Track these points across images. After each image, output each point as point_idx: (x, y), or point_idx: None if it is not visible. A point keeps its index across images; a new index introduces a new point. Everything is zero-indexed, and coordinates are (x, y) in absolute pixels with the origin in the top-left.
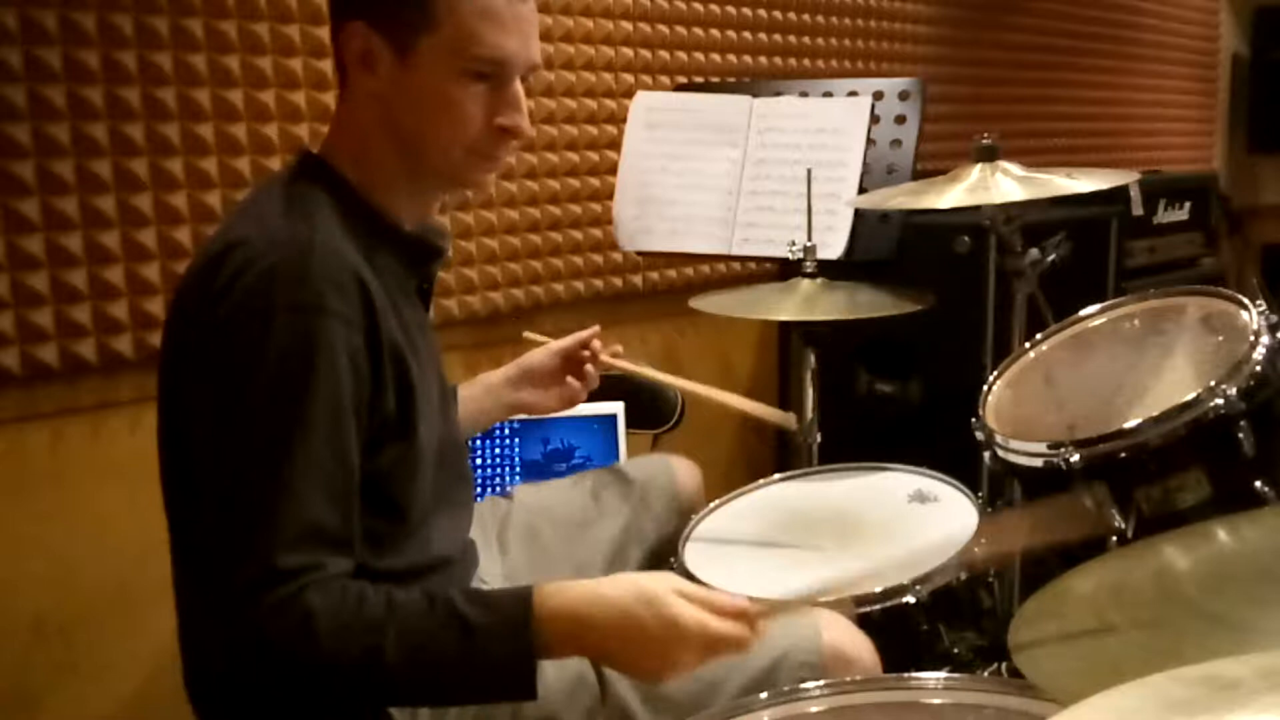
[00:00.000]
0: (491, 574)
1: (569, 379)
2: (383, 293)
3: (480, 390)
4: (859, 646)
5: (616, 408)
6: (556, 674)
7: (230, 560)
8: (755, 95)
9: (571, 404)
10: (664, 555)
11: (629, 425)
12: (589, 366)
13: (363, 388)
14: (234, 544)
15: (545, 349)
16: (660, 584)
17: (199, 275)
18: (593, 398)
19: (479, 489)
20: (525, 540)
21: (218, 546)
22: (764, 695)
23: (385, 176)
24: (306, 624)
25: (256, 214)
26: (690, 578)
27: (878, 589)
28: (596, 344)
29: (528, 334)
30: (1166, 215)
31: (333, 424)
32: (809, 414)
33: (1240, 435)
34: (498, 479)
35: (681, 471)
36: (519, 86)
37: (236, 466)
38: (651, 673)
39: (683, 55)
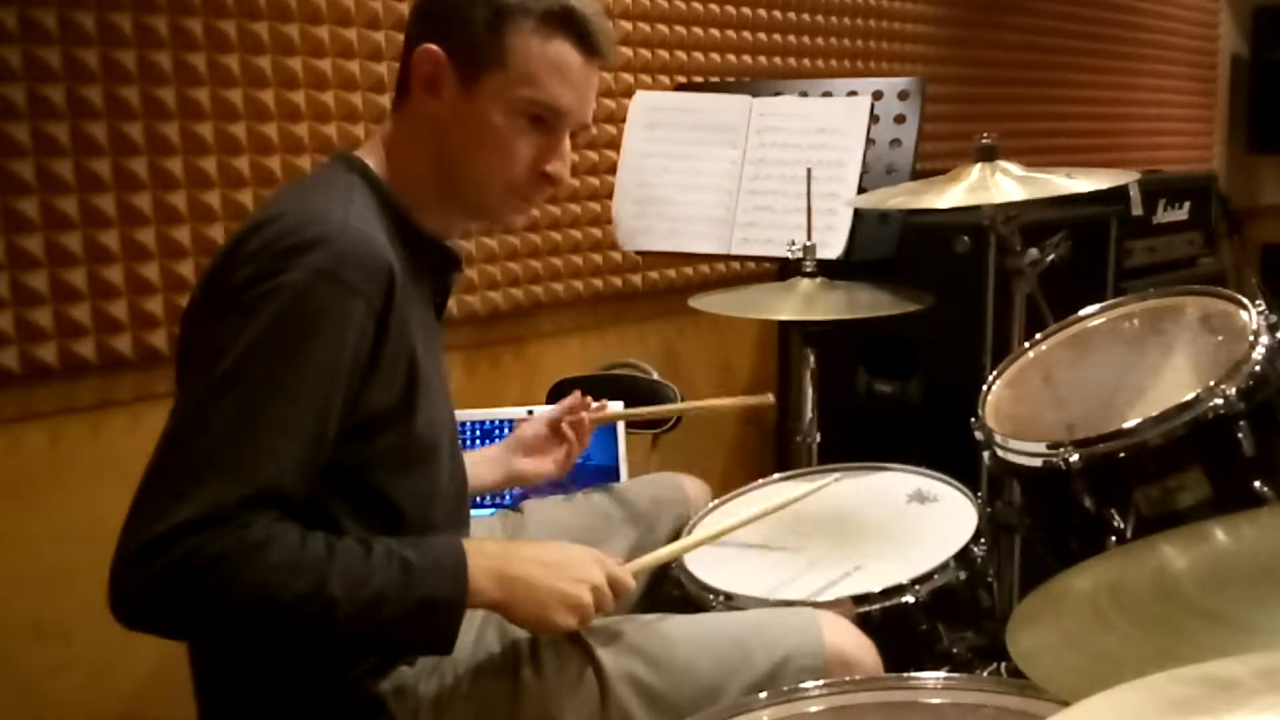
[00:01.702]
0: None
1: (563, 429)
2: (407, 291)
3: (485, 458)
4: (862, 649)
5: (616, 407)
6: (557, 677)
7: (191, 488)
8: (755, 95)
9: (568, 467)
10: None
11: (629, 426)
12: (573, 433)
13: (358, 371)
14: (191, 481)
15: (533, 420)
16: (577, 550)
17: (229, 247)
18: (593, 398)
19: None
20: None
21: (180, 475)
22: (763, 695)
23: (422, 192)
24: (254, 554)
25: (292, 197)
26: (690, 577)
27: (877, 588)
28: (584, 409)
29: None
30: (1166, 215)
31: (323, 393)
32: (809, 414)
33: (1239, 435)
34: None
35: (692, 491)
36: (567, 139)
37: (222, 402)
38: (561, 621)
39: (683, 55)
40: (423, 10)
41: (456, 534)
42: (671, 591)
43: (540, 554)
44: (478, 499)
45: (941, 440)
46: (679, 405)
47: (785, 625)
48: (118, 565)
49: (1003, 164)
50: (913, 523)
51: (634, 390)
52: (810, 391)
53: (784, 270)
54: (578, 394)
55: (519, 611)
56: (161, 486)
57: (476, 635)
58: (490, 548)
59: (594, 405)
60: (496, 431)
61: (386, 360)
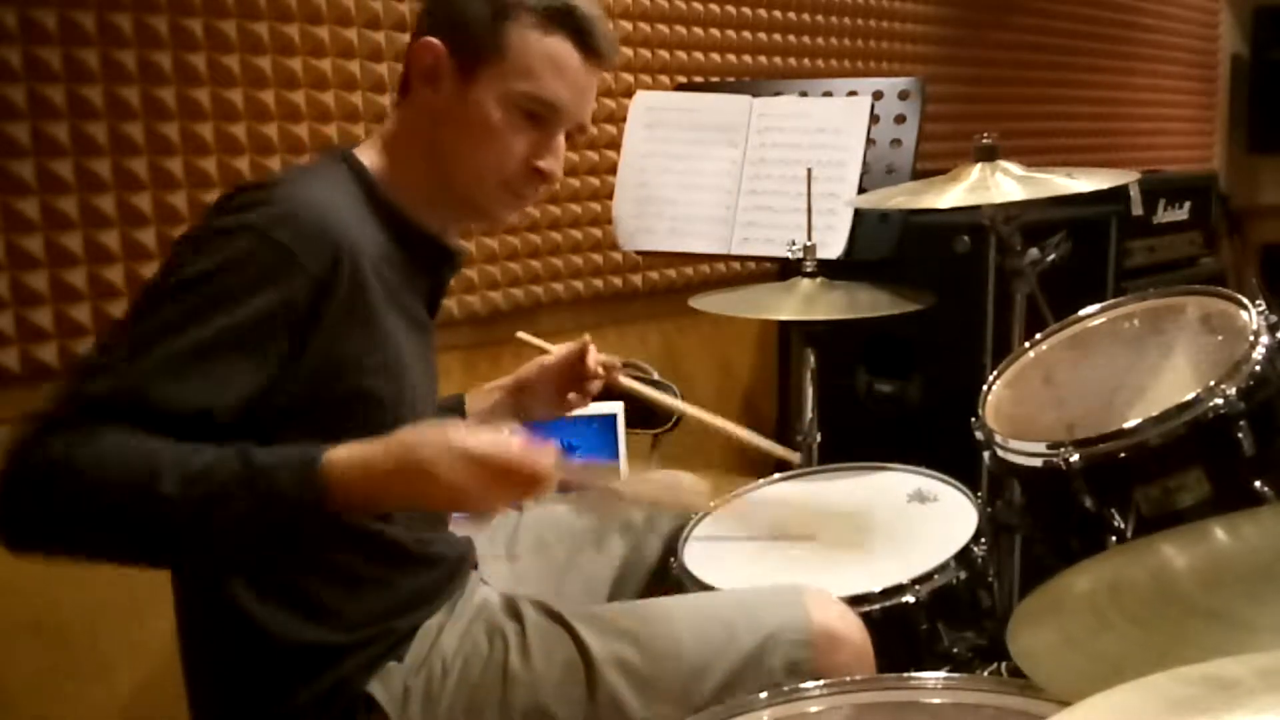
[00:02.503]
0: (499, 578)
1: (570, 395)
2: (382, 277)
3: (488, 404)
4: (849, 625)
5: (616, 408)
6: (545, 664)
7: (61, 394)
8: (755, 95)
9: (573, 409)
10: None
11: (629, 425)
12: (590, 384)
13: (281, 331)
14: (85, 369)
15: (537, 364)
16: (447, 424)
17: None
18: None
19: None
20: (534, 551)
21: (73, 372)
22: (764, 695)
23: (416, 185)
24: (79, 449)
25: (272, 175)
26: (690, 576)
27: (877, 588)
28: (592, 358)
29: (521, 335)
30: (1166, 215)
31: (234, 348)
32: (809, 414)
33: (1239, 435)
34: None
35: (691, 490)
36: (562, 137)
37: (130, 317)
38: (446, 497)
39: (683, 55)
40: (427, 8)
41: (435, 529)
42: (671, 591)
43: (409, 453)
44: None
45: (941, 440)
46: (705, 415)
47: (771, 603)
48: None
49: (1003, 164)
50: (913, 523)
51: (630, 393)
52: (810, 391)
53: (784, 270)
54: (587, 338)
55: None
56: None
57: (464, 629)
58: (350, 448)
59: (600, 362)
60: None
61: (335, 335)
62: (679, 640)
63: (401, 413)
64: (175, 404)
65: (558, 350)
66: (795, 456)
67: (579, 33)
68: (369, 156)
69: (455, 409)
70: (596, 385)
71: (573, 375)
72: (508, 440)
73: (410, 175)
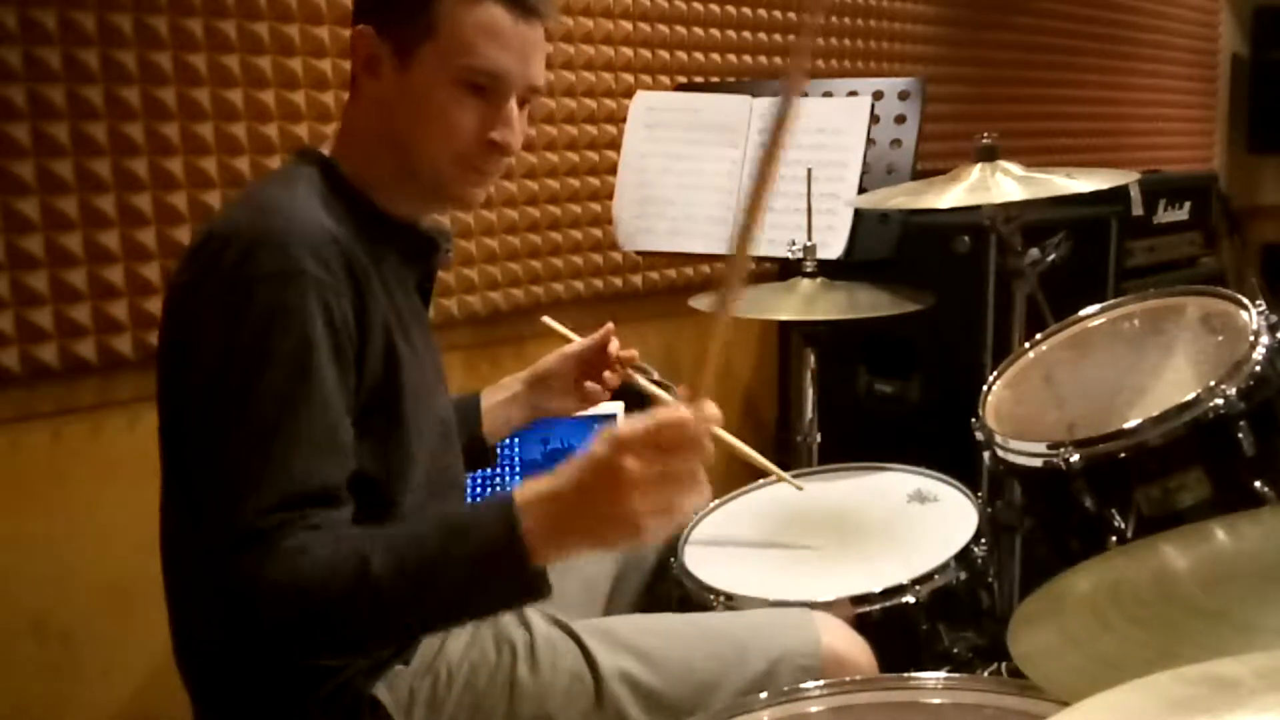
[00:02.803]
0: None
1: (587, 384)
2: (374, 272)
3: (505, 397)
4: (857, 650)
5: (616, 408)
6: (552, 675)
7: (218, 524)
8: (755, 95)
9: (591, 405)
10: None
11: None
12: (607, 374)
13: (345, 348)
14: (221, 509)
15: (559, 354)
16: (597, 445)
17: (185, 265)
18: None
19: (481, 490)
20: None
21: (208, 514)
22: (764, 695)
23: (383, 177)
24: (292, 560)
25: (242, 202)
26: (691, 577)
27: (877, 589)
28: (614, 347)
29: (546, 319)
30: (1166, 215)
31: (316, 384)
32: (809, 414)
33: (1240, 435)
34: (498, 479)
35: None
36: (514, 104)
37: (226, 435)
38: (620, 525)
39: (683, 55)
40: None
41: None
42: (672, 592)
43: (580, 483)
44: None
45: (942, 440)
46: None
47: (781, 625)
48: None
49: (1003, 164)
50: (913, 523)
51: (634, 390)
52: (810, 391)
53: (784, 270)
54: (610, 326)
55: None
56: (201, 512)
57: (471, 634)
58: (536, 487)
59: (621, 354)
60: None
61: (367, 341)
62: (688, 658)
63: (412, 407)
64: (333, 480)
65: (581, 339)
66: (800, 486)
67: None
68: (335, 155)
69: (471, 406)
70: (615, 377)
71: (593, 365)
72: (642, 417)
73: (375, 168)
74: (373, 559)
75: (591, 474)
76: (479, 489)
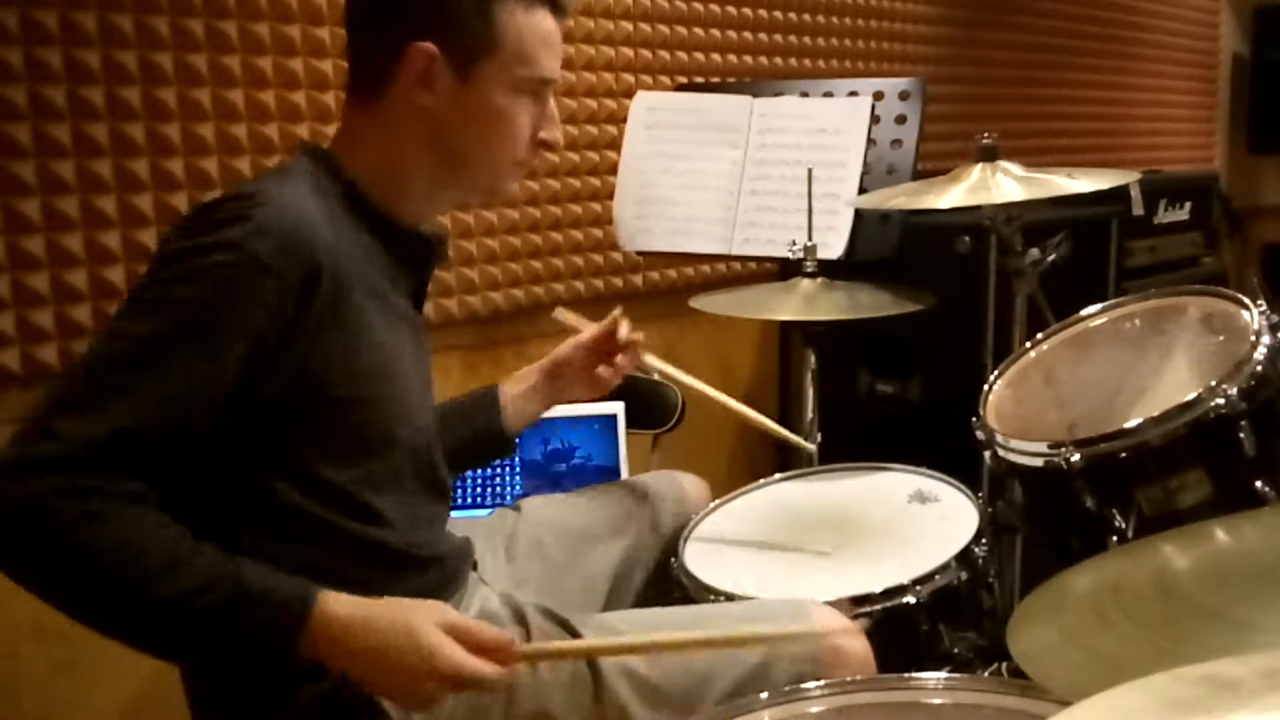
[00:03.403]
0: (498, 579)
1: (600, 369)
2: (363, 275)
3: (524, 389)
4: (855, 642)
5: (616, 408)
6: (551, 672)
7: (58, 420)
8: (755, 95)
9: (605, 391)
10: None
11: (629, 425)
12: (619, 358)
13: (268, 343)
14: (69, 406)
15: (572, 343)
16: (426, 613)
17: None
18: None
19: (480, 490)
20: (533, 551)
21: (58, 401)
22: (764, 695)
23: (405, 182)
24: (90, 523)
25: (244, 182)
26: (690, 577)
27: (878, 589)
28: (624, 330)
29: (559, 312)
30: (1167, 215)
31: (211, 357)
32: (809, 414)
33: (1241, 435)
34: (498, 478)
35: (690, 489)
36: (553, 100)
37: (112, 342)
38: (401, 698)
39: (683, 55)
40: (400, 5)
41: (429, 530)
42: (672, 592)
43: (386, 645)
44: (480, 493)
45: (942, 440)
46: (731, 402)
47: (778, 615)
48: None
49: (1003, 164)
50: (913, 523)
51: (634, 390)
52: (810, 391)
53: (785, 270)
54: (618, 311)
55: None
56: (42, 410)
57: None
58: (338, 613)
59: (630, 337)
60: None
61: (316, 341)
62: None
63: (392, 411)
64: (168, 439)
65: (591, 328)
66: (809, 446)
67: (553, 1)
68: (344, 157)
69: (490, 399)
70: (626, 360)
71: (604, 351)
72: (480, 642)
73: (400, 172)
74: (162, 577)
75: (406, 638)
76: (482, 490)
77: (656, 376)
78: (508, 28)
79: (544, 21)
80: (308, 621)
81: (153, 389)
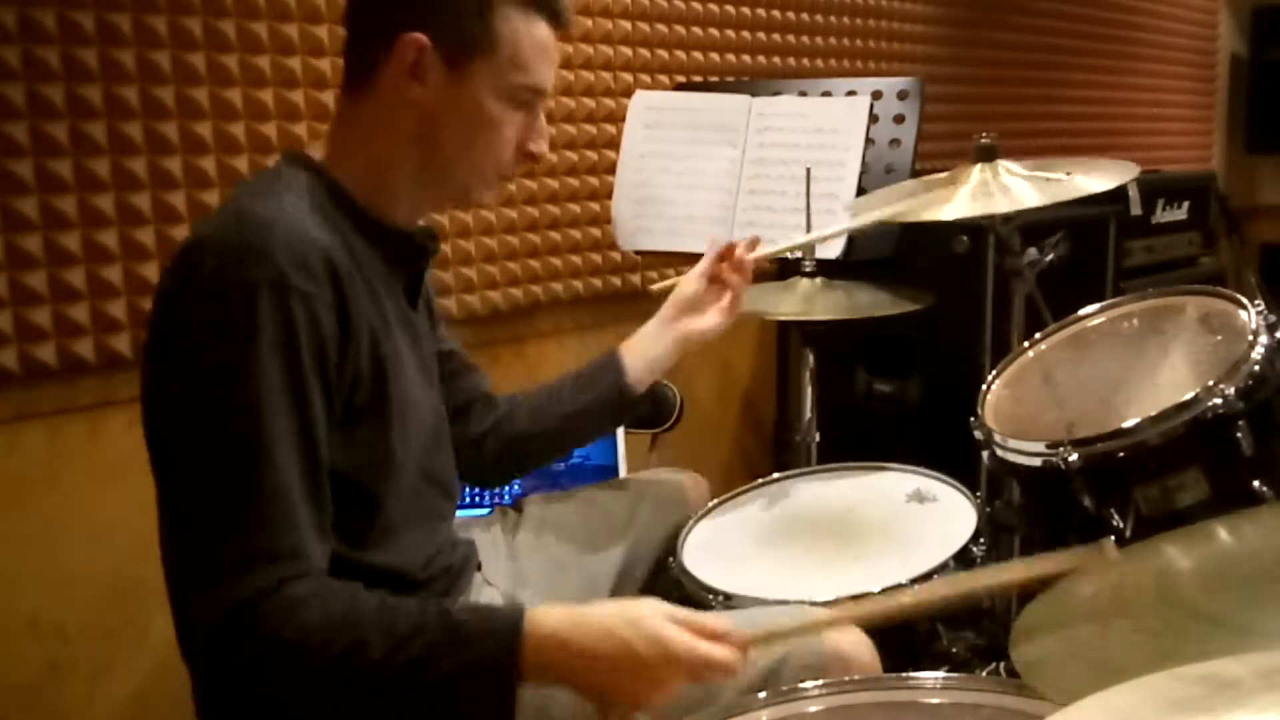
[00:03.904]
0: (501, 579)
1: (725, 293)
2: (359, 278)
3: (645, 340)
4: (861, 648)
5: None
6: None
7: (203, 582)
8: (754, 95)
9: (734, 313)
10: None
11: (628, 425)
12: (736, 276)
13: (330, 361)
14: (209, 567)
15: (688, 277)
16: (647, 607)
17: (169, 272)
18: None
19: (479, 489)
20: (536, 551)
21: (192, 568)
22: (763, 695)
23: (390, 179)
24: (294, 614)
25: (225, 209)
26: (690, 577)
27: (876, 589)
28: (739, 250)
29: (655, 287)
30: (1165, 215)
31: (303, 405)
32: (808, 414)
33: (1239, 435)
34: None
35: (690, 488)
36: (542, 113)
37: (209, 480)
38: (639, 695)
39: (682, 55)
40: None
41: (432, 528)
42: (671, 592)
43: (615, 641)
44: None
45: (941, 440)
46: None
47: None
48: (196, 659)
49: (1003, 163)
50: (912, 523)
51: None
52: (810, 391)
53: (783, 270)
54: (717, 237)
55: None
56: (187, 572)
57: None
58: (554, 621)
59: (744, 245)
60: None
61: (352, 350)
62: None
63: (399, 411)
64: (322, 509)
65: (700, 263)
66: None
67: (553, 12)
68: (328, 156)
69: (610, 363)
70: (744, 276)
71: (722, 273)
72: (706, 629)
73: (384, 168)
74: (369, 638)
75: (633, 630)
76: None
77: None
78: (505, 32)
79: (541, 31)
80: (523, 631)
81: (281, 484)
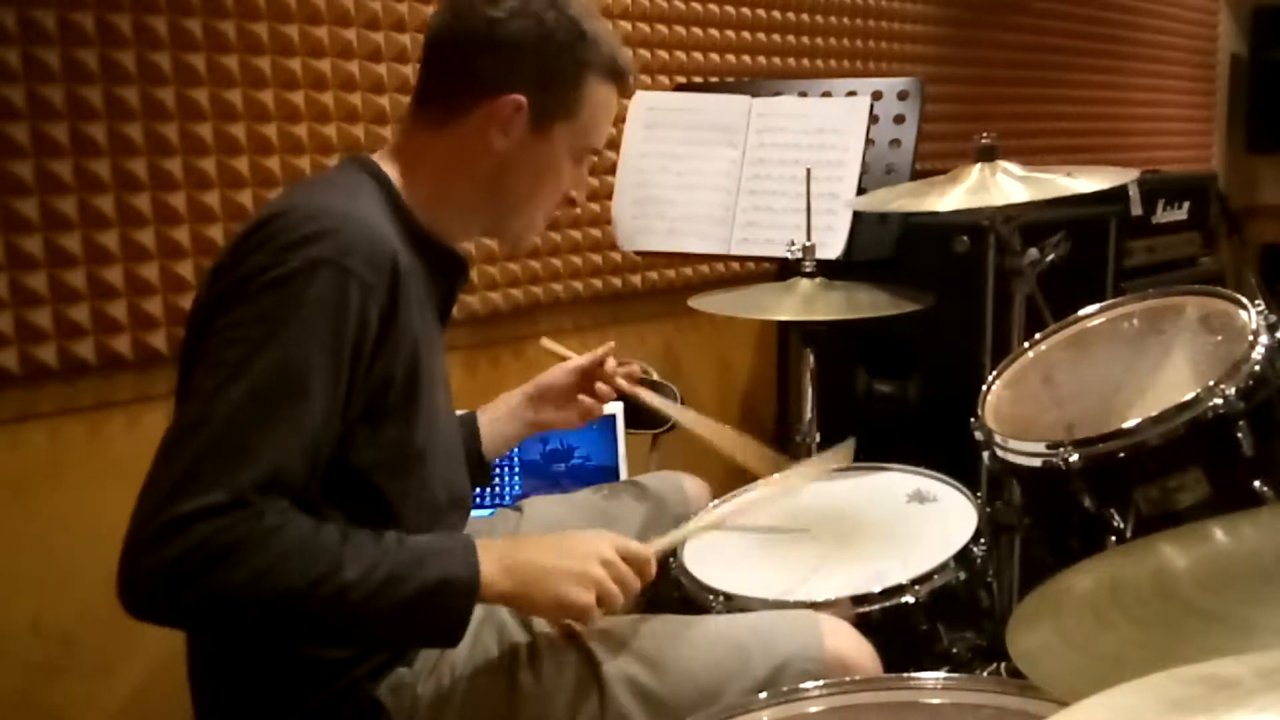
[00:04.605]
0: None
1: (583, 396)
2: (413, 287)
3: (504, 412)
4: (862, 653)
5: (615, 408)
6: (555, 680)
7: (195, 480)
8: (754, 95)
9: (588, 419)
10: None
11: (628, 426)
12: (601, 385)
13: (364, 353)
14: (207, 467)
15: (561, 368)
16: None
17: (232, 244)
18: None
19: (480, 490)
20: None
21: (193, 460)
22: (763, 695)
23: (452, 209)
24: (269, 539)
25: (300, 191)
26: (690, 578)
27: (877, 589)
28: (611, 362)
29: (546, 342)
30: (1165, 215)
31: (328, 382)
32: (808, 414)
33: (1239, 435)
34: (498, 479)
35: (691, 489)
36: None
37: (232, 391)
38: (571, 580)
39: (682, 55)
40: (502, 47)
41: (455, 521)
42: (671, 592)
43: (545, 540)
44: (480, 493)
45: (941, 440)
46: (691, 422)
47: (785, 629)
48: (130, 552)
49: (1002, 164)
50: (912, 523)
51: (636, 403)
52: (810, 391)
53: (783, 270)
54: (611, 345)
55: (532, 597)
56: (174, 472)
57: (474, 637)
58: (495, 541)
59: (619, 369)
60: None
61: (390, 352)
62: (692, 662)
63: (427, 425)
64: (313, 461)
65: (580, 357)
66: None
67: (623, 81)
68: (391, 169)
69: (469, 424)
70: (610, 392)
71: (591, 380)
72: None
73: (447, 199)
74: (345, 557)
75: (567, 537)
76: (482, 491)
77: (665, 409)
78: (588, 100)
79: (610, 97)
80: (475, 545)
81: (286, 425)
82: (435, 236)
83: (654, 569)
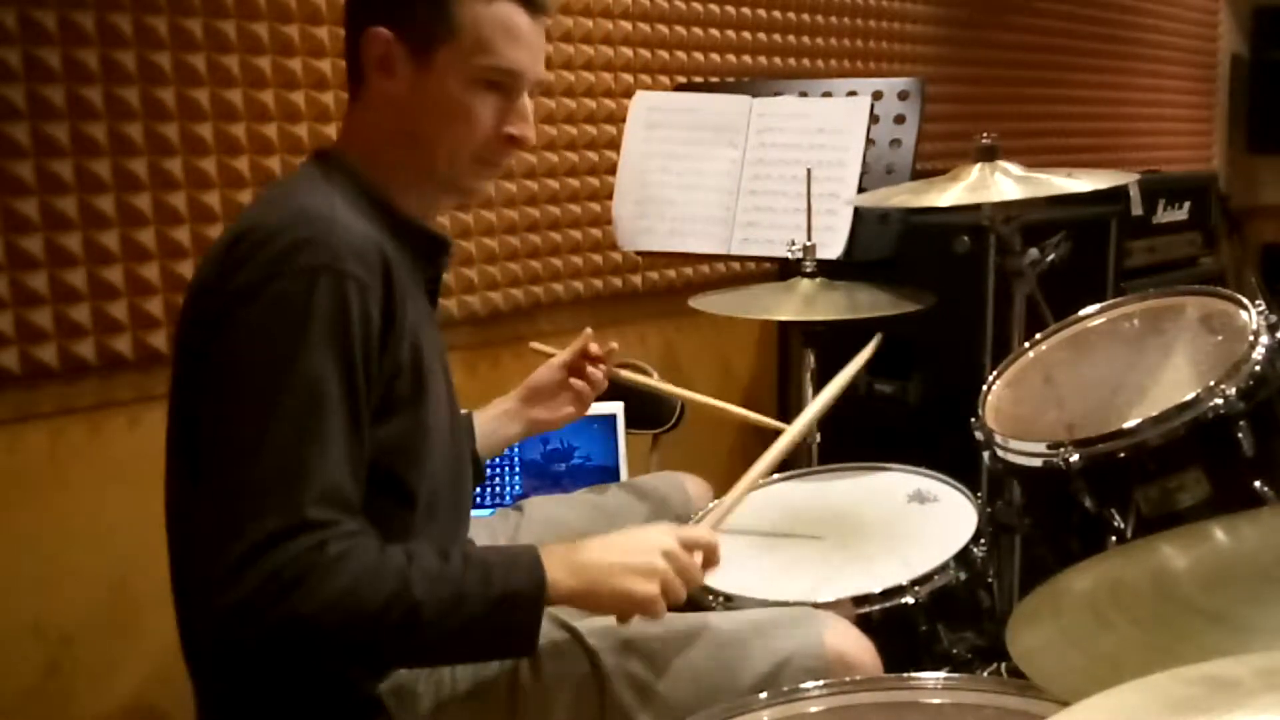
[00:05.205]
0: None
1: (574, 379)
2: (402, 275)
3: (496, 414)
4: (862, 651)
5: (616, 408)
6: (556, 678)
7: (253, 515)
8: (755, 95)
9: (583, 410)
10: None
11: (628, 426)
12: (591, 370)
13: (374, 350)
14: (259, 499)
15: (547, 365)
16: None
17: (215, 259)
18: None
19: (480, 490)
20: None
21: (237, 504)
22: (764, 695)
23: (398, 177)
24: (338, 563)
25: (273, 200)
26: None
27: (877, 589)
28: (594, 347)
29: (534, 345)
30: (1166, 215)
31: (352, 386)
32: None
33: (1239, 435)
34: (498, 479)
35: (692, 489)
36: (527, 99)
37: (268, 421)
38: (641, 590)
39: (682, 55)
40: None
41: (456, 523)
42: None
43: (608, 539)
44: (481, 493)
45: (941, 440)
46: (702, 398)
47: (786, 626)
48: (211, 598)
49: (1003, 164)
50: (913, 523)
51: (634, 391)
52: (810, 392)
53: (784, 270)
54: (588, 331)
55: (598, 594)
56: (229, 511)
57: None
58: (558, 546)
59: (600, 351)
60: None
61: (394, 344)
62: (693, 660)
63: (434, 407)
64: (356, 470)
65: (562, 352)
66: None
67: None
68: (349, 158)
69: (467, 433)
70: (599, 376)
71: (579, 369)
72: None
73: (391, 167)
74: (413, 578)
75: (634, 532)
76: (482, 491)
77: (650, 383)
78: (464, 16)
79: (507, 12)
80: (540, 553)
81: (326, 443)
82: (411, 219)
83: (719, 551)
